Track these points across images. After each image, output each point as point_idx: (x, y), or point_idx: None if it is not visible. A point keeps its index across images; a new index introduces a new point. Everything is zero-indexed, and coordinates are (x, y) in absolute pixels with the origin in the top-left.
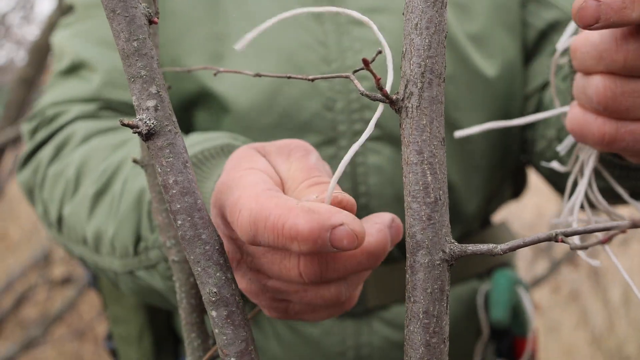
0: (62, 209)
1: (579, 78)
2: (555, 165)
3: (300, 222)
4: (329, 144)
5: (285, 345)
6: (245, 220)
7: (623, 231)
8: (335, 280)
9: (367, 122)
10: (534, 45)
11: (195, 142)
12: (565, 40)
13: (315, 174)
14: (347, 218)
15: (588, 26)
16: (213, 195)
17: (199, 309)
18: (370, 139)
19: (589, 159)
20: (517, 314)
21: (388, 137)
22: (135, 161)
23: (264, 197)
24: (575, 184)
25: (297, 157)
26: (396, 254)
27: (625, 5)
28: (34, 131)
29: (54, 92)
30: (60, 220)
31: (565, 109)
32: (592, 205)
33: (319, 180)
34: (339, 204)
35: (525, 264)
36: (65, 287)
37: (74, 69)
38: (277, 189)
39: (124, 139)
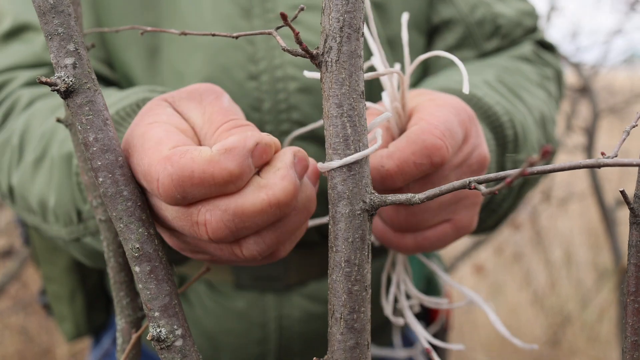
0: (10, 179)
1: None
2: None
3: (228, 164)
4: None
5: (211, 316)
6: (168, 186)
7: (524, 173)
8: (250, 237)
9: (294, 122)
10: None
11: (111, 103)
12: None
13: (232, 116)
14: (258, 137)
15: None
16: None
17: (127, 268)
18: (297, 138)
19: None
20: (432, 282)
21: (314, 136)
22: (59, 120)
23: (176, 156)
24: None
25: (209, 101)
26: (317, 238)
27: None
28: None
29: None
30: (11, 190)
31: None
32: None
33: (238, 123)
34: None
35: None
36: (7, 259)
37: (16, 31)
38: (185, 139)
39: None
